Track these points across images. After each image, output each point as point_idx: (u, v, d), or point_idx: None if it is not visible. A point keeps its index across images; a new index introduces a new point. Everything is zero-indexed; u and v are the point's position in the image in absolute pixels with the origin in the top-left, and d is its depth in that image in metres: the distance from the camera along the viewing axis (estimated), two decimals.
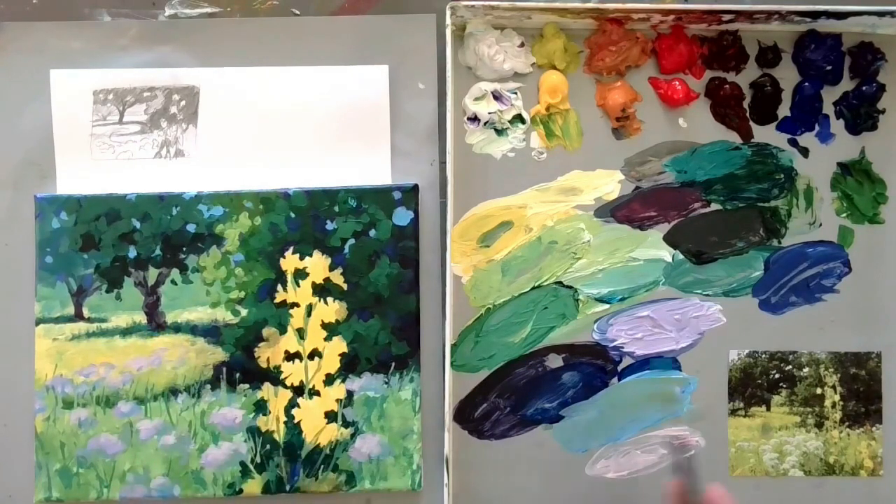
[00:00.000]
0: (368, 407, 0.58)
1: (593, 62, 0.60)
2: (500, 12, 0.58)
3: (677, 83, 0.60)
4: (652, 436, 0.60)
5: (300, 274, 0.58)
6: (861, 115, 0.61)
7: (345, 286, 0.58)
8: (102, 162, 0.59)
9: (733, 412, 0.60)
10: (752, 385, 0.60)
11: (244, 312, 0.58)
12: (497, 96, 0.60)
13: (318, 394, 0.58)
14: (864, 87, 0.61)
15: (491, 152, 0.60)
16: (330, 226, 0.59)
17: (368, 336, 0.58)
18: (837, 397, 0.61)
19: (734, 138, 0.61)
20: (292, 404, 0.58)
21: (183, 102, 0.60)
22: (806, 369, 0.61)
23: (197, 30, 0.60)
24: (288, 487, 0.58)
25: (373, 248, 0.58)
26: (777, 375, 0.60)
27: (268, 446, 0.58)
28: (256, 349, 0.58)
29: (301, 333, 0.58)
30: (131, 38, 0.60)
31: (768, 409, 0.60)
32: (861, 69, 0.61)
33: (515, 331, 0.60)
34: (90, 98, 0.59)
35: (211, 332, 0.58)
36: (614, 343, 0.60)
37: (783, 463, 0.60)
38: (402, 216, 0.59)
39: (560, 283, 0.60)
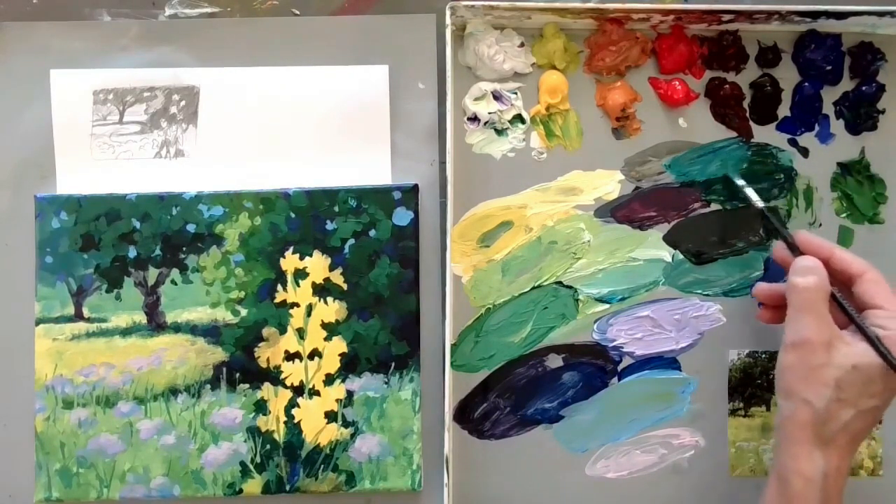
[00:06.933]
0: (368, 407, 0.58)
1: (593, 62, 0.60)
2: (500, 12, 0.58)
3: (677, 83, 0.60)
4: (652, 436, 0.60)
5: (300, 274, 0.58)
6: (861, 115, 0.61)
7: (345, 286, 0.58)
8: (102, 162, 0.59)
9: (733, 412, 0.60)
10: (752, 385, 0.60)
11: (244, 312, 0.58)
12: (497, 96, 0.60)
13: (318, 394, 0.58)
14: (864, 87, 0.61)
15: (491, 152, 0.60)
16: (330, 226, 0.58)
17: (368, 336, 0.58)
18: None
19: None
20: (292, 404, 0.58)
21: (183, 102, 0.60)
22: None
23: (197, 30, 0.60)
24: (288, 487, 0.58)
25: (373, 248, 0.58)
26: None
27: (268, 446, 0.58)
28: (256, 349, 0.58)
29: (301, 333, 0.58)
30: (131, 38, 0.60)
31: (768, 409, 0.60)
32: (861, 69, 0.61)
33: (515, 331, 0.60)
34: (90, 98, 0.59)
35: (211, 332, 0.58)
36: (614, 343, 0.60)
37: None
38: (401, 216, 0.59)
39: (560, 283, 0.60)
